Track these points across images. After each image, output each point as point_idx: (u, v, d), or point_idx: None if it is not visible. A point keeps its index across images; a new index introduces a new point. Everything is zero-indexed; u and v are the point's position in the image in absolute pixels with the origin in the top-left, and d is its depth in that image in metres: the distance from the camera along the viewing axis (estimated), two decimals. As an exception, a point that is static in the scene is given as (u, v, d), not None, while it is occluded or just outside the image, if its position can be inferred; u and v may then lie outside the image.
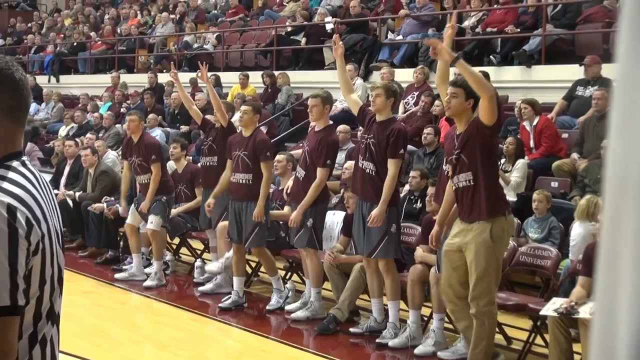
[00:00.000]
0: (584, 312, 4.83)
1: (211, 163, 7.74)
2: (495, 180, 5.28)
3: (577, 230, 6.12)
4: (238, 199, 7.10)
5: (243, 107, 7.34)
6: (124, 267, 8.71)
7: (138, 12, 19.36)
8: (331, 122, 6.85)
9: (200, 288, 7.85)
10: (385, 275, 6.07)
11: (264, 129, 11.43)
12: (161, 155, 8.32)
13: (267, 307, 7.13)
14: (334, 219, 7.32)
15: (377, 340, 6.07)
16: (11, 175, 1.71)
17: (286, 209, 7.51)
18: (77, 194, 9.78)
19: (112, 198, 9.33)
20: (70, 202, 9.80)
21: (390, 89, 6.12)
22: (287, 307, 7.04)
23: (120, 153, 9.51)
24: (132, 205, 8.38)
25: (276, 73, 12.84)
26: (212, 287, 7.76)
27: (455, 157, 5.14)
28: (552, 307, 5.02)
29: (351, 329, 6.36)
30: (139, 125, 8.18)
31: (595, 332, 0.82)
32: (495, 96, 5.15)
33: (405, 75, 10.85)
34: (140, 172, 8.13)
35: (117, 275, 8.41)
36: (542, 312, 5.12)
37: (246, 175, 7.01)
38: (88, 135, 11.20)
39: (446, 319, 5.98)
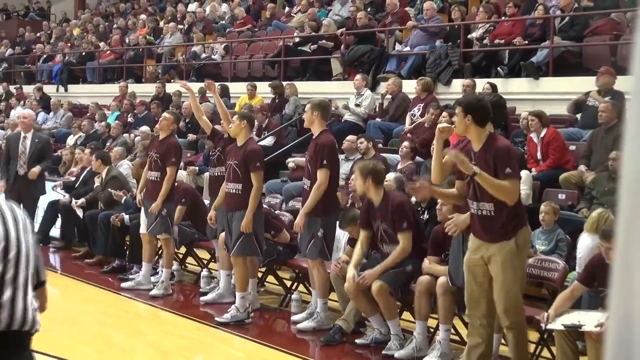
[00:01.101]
0: (590, 324, 4.80)
1: (219, 173, 7.72)
2: (517, 205, 5.08)
3: (585, 242, 6.10)
4: (229, 209, 7.09)
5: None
6: (131, 276, 8.71)
7: (146, 21, 19.44)
8: (326, 128, 6.82)
9: (202, 298, 7.83)
10: (379, 300, 6.06)
11: (272, 139, 11.47)
12: (180, 160, 8.36)
13: (217, 319, 7.01)
14: (341, 229, 7.31)
15: (383, 352, 6.05)
16: None
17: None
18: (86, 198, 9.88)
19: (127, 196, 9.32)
20: (81, 213, 9.83)
21: (365, 169, 6.16)
22: (294, 318, 7.03)
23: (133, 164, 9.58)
24: (142, 212, 8.34)
25: (284, 84, 12.87)
26: (214, 297, 7.74)
27: (473, 178, 5.03)
28: (558, 320, 4.99)
29: (357, 340, 6.34)
30: (170, 126, 8.20)
31: (610, 342, 0.81)
32: (517, 192, 5.05)
33: (412, 86, 10.87)
34: (152, 169, 8.11)
35: (124, 285, 8.40)
36: (549, 326, 5.09)
37: (236, 184, 6.99)
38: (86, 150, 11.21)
39: (452, 330, 5.97)
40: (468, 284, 5.17)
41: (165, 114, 8.41)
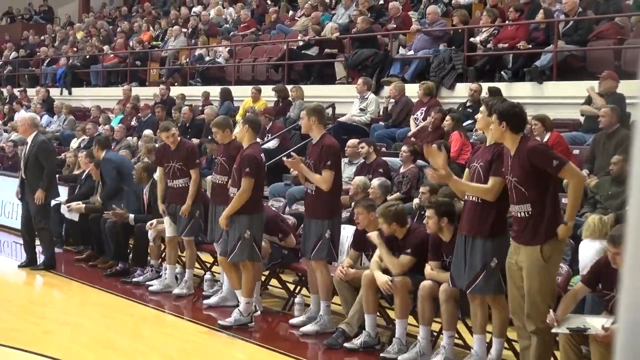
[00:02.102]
0: (595, 327, 4.78)
1: (220, 181, 7.68)
2: (555, 206, 5.10)
3: (586, 248, 6.07)
4: None
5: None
6: (134, 279, 8.71)
7: (150, 25, 19.48)
8: (325, 131, 6.83)
9: (205, 301, 7.82)
10: (397, 293, 6.01)
11: (276, 141, 11.47)
12: (200, 161, 8.41)
13: (219, 322, 7.00)
14: (344, 233, 7.29)
15: (382, 355, 6.02)
16: None
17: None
18: (88, 203, 9.88)
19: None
20: (76, 217, 9.81)
21: (388, 215, 6.15)
22: (292, 321, 7.02)
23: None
24: (167, 217, 8.26)
25: (289, 87, 12.88)
26: (217, 301, 7.72)
27: (510, 182, 5.06)
28: (564, 325, 4.97)
29: (345, 344, 6.29)
30: (178, 137, 8.37)
31: (620, 342, 0.81)
32: (579, 172, 5.21)
33: (415, 90, 10.87)
34: (179, 176, 8.11)
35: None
36: (553, 330, 5.07)
37: (233, 189, 7.00)
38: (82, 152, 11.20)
39: (456, 335, 5.95)
40: (509, 288, 5.21)
41: (169, 132, 8.18)
